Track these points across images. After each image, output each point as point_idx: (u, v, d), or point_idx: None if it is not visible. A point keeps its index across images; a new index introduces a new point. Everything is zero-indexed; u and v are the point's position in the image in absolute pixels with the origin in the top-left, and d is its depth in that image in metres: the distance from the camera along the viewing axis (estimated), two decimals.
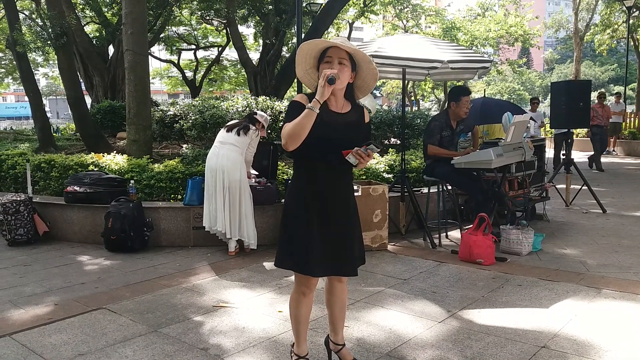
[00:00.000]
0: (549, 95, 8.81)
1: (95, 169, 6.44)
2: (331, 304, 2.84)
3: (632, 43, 23.37)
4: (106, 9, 14.40)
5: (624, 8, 20.31)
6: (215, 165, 5.17)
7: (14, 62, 17.66)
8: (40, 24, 9.59)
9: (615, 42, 26.84)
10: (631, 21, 20.91)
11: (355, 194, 5.21)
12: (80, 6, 14.71)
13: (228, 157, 5.18)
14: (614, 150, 15.95)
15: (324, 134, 2.50)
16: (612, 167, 12.64)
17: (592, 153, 12.34)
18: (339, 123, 2.55)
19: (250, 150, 5.46)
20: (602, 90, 14.71)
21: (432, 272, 4.64)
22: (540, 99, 13.32)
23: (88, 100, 12.10)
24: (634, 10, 20.77)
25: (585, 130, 16.21)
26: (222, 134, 5.38)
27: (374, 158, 6.85)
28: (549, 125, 10.21)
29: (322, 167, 2.59)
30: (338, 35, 24.85)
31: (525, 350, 3.06)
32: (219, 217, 5.18)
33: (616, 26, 24.54)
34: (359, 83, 2.67)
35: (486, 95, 18.36)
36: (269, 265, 4.96)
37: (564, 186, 7.71)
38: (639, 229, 6.16)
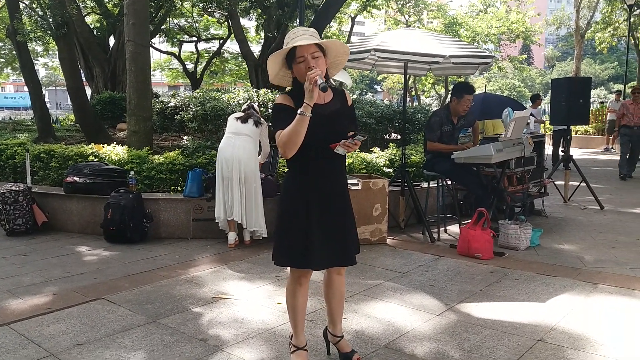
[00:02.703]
0: (549, 92, 8.80)
1: (95, 160, 6.45)
2: (329, 297, 2.85)
3: (632, 41, 23.32)
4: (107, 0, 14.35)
5: (625, 6, 20.25)
6: (231, 155, 5.18)
7: (14, 52, 17.60)
8: (41, 13, 9.55)
9: (615, 40, 26.77)
10: (632, 19, 20.85)
11: (356, 187, 5.25)
12: None
13: (244, 147, 5.22)
14: (612, 148, 15.96)
15: (315, 131, 2.49)
16: (610, 165, 12.65)
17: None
18: (325, 115, 2.55)
19: (265, 140, 5.53)
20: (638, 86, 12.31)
21: (430, 266, 4.66)
22: (540, 95, 13.08)
23: (88, 91, 12.07)
24: (635, 8, 20.70)
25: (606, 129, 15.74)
26: (234, 124, 5.37)
27: (374, 152, 6.87)
28: (548, 122, 10.21)
29: (316, 161, 2.59)
30: (340, 30, 24.78)
31: (522, 343, 3.08)
32: (236, 207, 5.19)
33: (617, 24, 24.48)
34: (330, 61, 2.65)
35: (487, 92, 18.34)
36: (268, 257, 4.98)
37: (563, 182, 7.73)
38: (636, 225, 6.19)
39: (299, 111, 2.41)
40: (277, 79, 2.68)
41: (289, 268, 2.74)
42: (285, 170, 6.32)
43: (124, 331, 3.29)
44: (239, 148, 5.21)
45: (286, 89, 2.70)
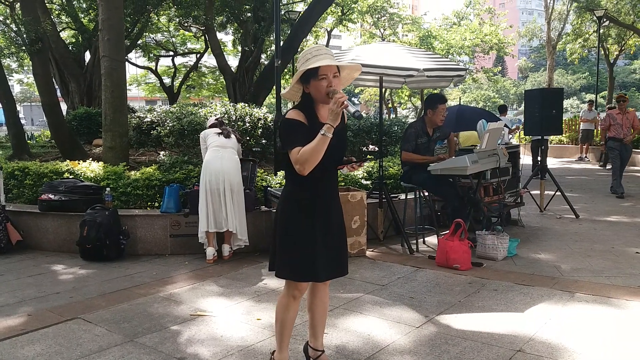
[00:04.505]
0: (523, 102, 8.96)
1: (71, 177, 6.35)
2: (313, 308, 2.86)
3: (602, 52, 23.98)
4: (83, 15, 14.22)
5: (595, 18, 20.83)
6: (220, 168, 5.25)
7: None
8: (15, 29, 9.43)
9: (586, 51, 27.49)
10: (601, 31, 21.45)
11: None
12: (56, 12, 14.52)
13: (231, 159, 5.36)
14: (586, 157, 16.31)
15: (327, 150, 2.52)
16: (584, 174, 12.92)
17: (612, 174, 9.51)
18: (334, 134, 2.56)
19: (240, 151, 5.72)
20: (622, 93, 10.75)
21: (409, 278, 4.68)
22: (514, 106, 13.34)
23: (64, 106, 11.91)
24: (604, 20, 21.31)
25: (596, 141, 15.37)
26: (218, 139, 5.44)
27: None
28: (522, 132, 10.35)
29: (320, 177, 2.62)
30: (316, 43, 24.99)
31: (501, 354, 3.10)
32: (230, 218, 5.25)
33: (587, 35, 25.18)
34: (344, 75, 2.69)
35: (462, 103, 18.61)
36: (248, 272, 4.95)
37: (538, 192, 7.86)
38: (611, 233, 6.31)
39: (321, 132, 2.44)
40: (289, 93, 2.73)
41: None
42: (263, 184, 6.33)
43: (100, 351, 3.23)
44: (228, 160, 5.32)
45: (295, 104, 2.72)
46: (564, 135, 17.67)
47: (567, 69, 57.04)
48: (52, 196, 5.83)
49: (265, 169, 7.33)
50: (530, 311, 3.79)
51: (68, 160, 7.03)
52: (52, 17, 12.75)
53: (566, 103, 43.58)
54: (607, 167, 13.45)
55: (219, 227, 5.29)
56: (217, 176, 5.24)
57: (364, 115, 11.28)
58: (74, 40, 14.93)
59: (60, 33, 14.53)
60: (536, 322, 3.56)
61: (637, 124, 9.28)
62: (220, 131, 5.51)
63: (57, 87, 12.25)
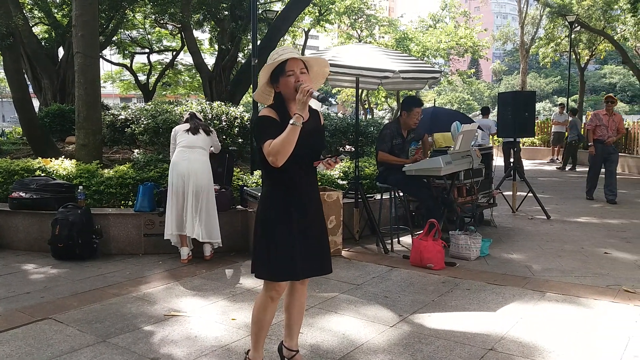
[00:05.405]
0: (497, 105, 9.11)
1: (42, 174, 6.22)
2: (290, 307, 2.86)
3: (573, 56, 24.50)
4: (56, 10, 13.92)
5: (567, 23, 21.28)
6: (186, 170, 5.13)
7: None
8: None
9: (558, 55, 28.07)
10: (573, 36, 21.92)
11: None
12: (29, 6, 14.17)
13: (198, 160, 5.21)
14: (557, 159, 16.64)
15: (298, 145, 2.54)
16: (556, 175, 13.20)
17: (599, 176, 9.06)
18: (306, 132, 2.58)
19: (217, 143, 5.61)
20: (611, 94, 9.99)
21: (384, 277, 4.72)
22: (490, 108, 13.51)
23: (36, 103, 11.66)
24: (576, 25, 21.78)
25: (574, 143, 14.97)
26: (186, 137, 5.29)
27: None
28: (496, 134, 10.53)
29: (297, 175, 2.64)
30: (294, 43, 24.99)
31: (473, 353, 3.15)
32: (189, 221, 5.12)
33: (559, 40, 25.70)
34: (314, 73, 2.74)
35: (436, 105, 18.85)
36: (222, 272, 4.93)
37: (511, 193, 8.00)
38: (581, 234, 6.46)
39: (291, 121, 2.46)
40: (259, 95, 2.76)
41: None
42: (239, 183, 6.31)
43: (72, 352, 3.18)
44: (195, 162, 5.18)
45: (267, 104, 2.74)
46: (536, 137, 18.01)
47: (540, 72, 58.18)
48: (23, 194, 5.71)
49: (242, 168, 7.30)
50: (502, 310, 3.86)
51: (40, 158, 6.89)
52: (24, 11, 12.43)
53: (538, 106, 44.48)
54: (568, 168, 13.81)
55: (179, 230, 5.22)
56: (181, 178, 5.14)
57: (341, 115, 11.33)
58: (47, 35, 14.61)
59: (33, 28, 14.17)
60: (508, 321, 3.63)
61: (622, 128, 9.01)
62: (188, 127, 5.37)
63: (29, 83, 11.96)
